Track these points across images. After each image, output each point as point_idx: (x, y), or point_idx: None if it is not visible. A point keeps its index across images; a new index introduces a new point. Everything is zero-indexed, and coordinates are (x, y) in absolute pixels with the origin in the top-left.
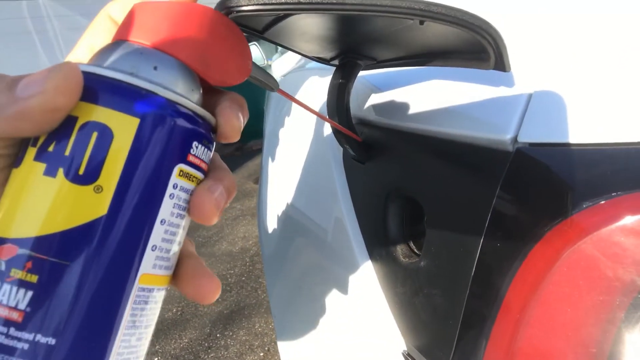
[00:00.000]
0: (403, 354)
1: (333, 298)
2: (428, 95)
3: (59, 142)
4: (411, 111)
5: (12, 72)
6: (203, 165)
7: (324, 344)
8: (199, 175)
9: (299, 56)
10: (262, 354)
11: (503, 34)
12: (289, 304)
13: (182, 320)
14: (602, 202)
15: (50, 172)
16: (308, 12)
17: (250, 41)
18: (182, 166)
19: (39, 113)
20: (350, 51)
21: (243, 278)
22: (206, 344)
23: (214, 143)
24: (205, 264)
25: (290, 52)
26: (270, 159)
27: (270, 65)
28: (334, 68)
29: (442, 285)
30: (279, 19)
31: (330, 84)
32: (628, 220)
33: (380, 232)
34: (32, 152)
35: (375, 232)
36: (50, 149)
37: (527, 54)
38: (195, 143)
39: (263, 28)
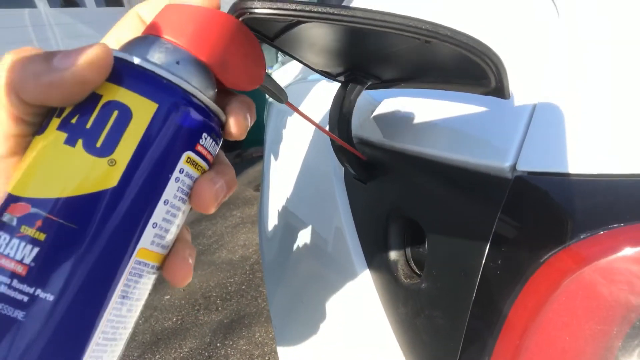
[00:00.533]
0: None
1: (334, 314)
2: (429, 118)
3: (82, 116)
4: (413, 133)
5: None
6: (209, 157)
7: (324, 357)
8: (205, 165)
9: (300, 68)
10: None
11: (505, 60)
12: (289, 315)
13: (182, 330)
14: (602, 232)
15: (71, 141)
16: (320, 21)
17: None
18: (190, 153)
19: (70, 84)
20: (356, 68)
21: (243, 287)
22: (206, 354)
23: (222, 139)
24: (206, 272)
25: (291, 64)
26: (271, 168)
27: (270, 75)
28: (339, 84)
29: (444, 307)
30: (291, 26)
31: (333, 100)
32: (627, 251)
33: (381, 251)
34: (56, 122)
35: (376, 251)
36: (73, 121)
37: (529, 81)
38: (204, 134)
39: (275, 35)
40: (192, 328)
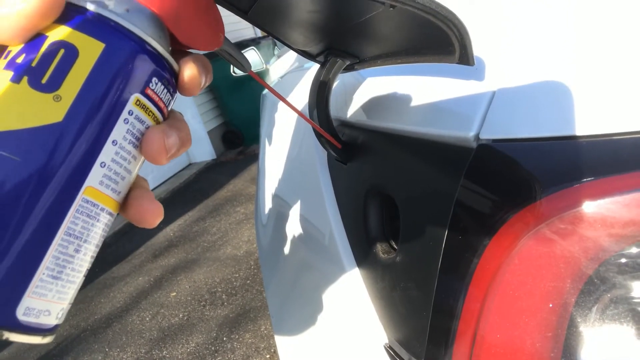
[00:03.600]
0: (385, 347)
1: (321, 295)
2: (401, 97)
3: (28, 55)
4: (386, 112)
5: None
6: (161, 105)
7: (316, 339)
8: (157, 113)
9: (295, 60)
10: (268, 356)
11: (470, 30)
12: (284, 301)
13: (188, 325)
14: (556, 192)
15: (16, 79)
16: None
17: (248, 46)
18: (139, 96)
19: (17, 23)
20: (334, 47)
21: (248, 281)
22: (213, 348)
23: (176, 91)
24: (211, 268)
25: (286, 57)
26: (265, 162)
27: (268, 70)
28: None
29: (415, 278)
30: None
31: (312, 82)
32: (580, 210)
33: (361, 230)
34: (2, 63)
35: (357, 230)
36: (19, 60)
37: (493, 53)
38: (154, 79)
39: (248, 7)
40: (199, 323)
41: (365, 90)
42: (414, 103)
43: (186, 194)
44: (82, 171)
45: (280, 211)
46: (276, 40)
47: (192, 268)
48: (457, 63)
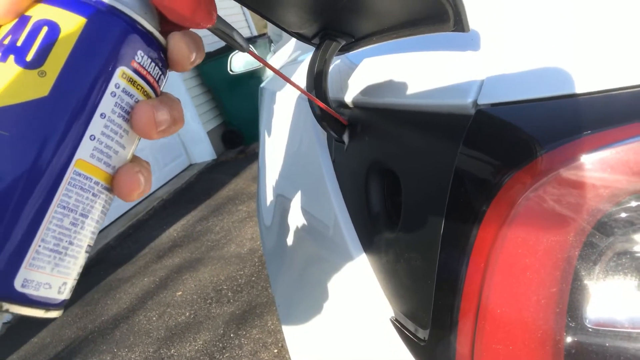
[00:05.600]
0: (391, 320)
1: (327, 276)
2: (397, 72)
3: (14, 36)
4: (384, 89)
5: None
6: (150, 79)
7: (323, 319)
8: (146, 87)
9: (290, 55)
10: (276, 351)
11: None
12: (290, 289)
13: (195, 323)
14: (552, 149)
15: (3, 58)
16: None
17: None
18: (125, 69)
19: (3, 3)
20: (329, 27)
21: (253, 278)
22: (220, 345)
23: (166, 66)
24: (216, 267)
25: (282, 51)
26: (265, 155)
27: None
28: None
29: (418, 250)
30: None
31: (308, 66)
32: (578, 163)
33: (364, 207)
34: None
35: (360, 208)
36: (6, 41)
37: (485, 20)
38: (140, 52)
39: None
40: (205, 321)
41: (361, 70)
42: (410, 77)
43: (188, 194)
44: (71, 144)
45: (283, 203)
46: (271, 25)
47: (197, 267)
48: (453, 31)
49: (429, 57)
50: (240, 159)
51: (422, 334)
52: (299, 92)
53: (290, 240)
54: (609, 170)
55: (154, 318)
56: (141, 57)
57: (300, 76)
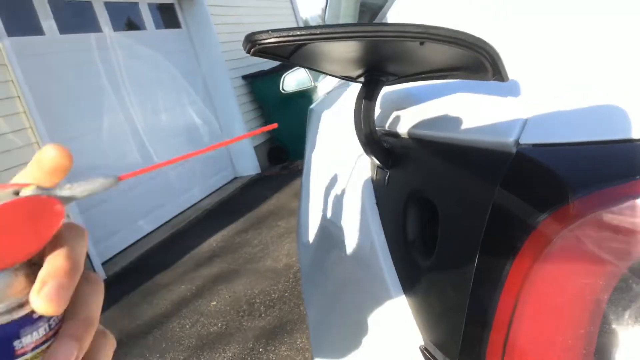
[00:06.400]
0: (420, 348)
1: (360, 299)
2: (442, 107)
3: None
4: (427, 121)
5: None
6: (43, 336)
7: (353, 341)
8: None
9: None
10: None
11: (499, 47)
12: (322, 308)
13: (226, 335)
14: (588, 194)
15: None
16: (319, 41)
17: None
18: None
19: None
20: (373, 69)
21: (286, 294)
22: (249, 358)
23: (41, 318)
24: (251, 279)
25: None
26: (309, 174)
27: (316, 87)
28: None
29: (451, 279)
30: (299, 46)
31: (356, 100)
32: (610, 209)
33: (401, 234)
34: None
35: (397, 235)
36: None
37: (526, 64)
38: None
39: (289, 54)
40: (236, 333)
41: (405, 101)
42: (455, 112)
43: (230, 206)
44: None
45: (323, 223)
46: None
47: (233, 279)
48: (493, 80)
49: (474, 94)
50: (283, 174)
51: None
52: (346, 117)
53: (327, 259)
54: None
55: (187, 326)
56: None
57: (350, 99)
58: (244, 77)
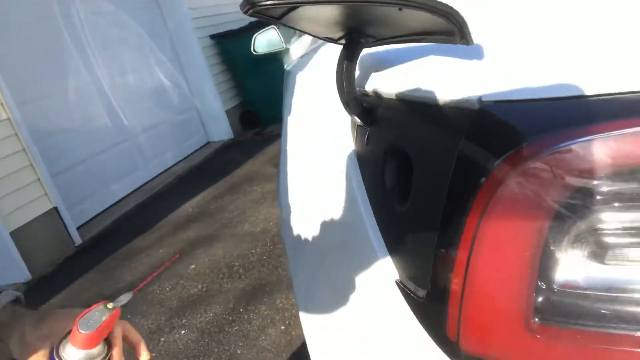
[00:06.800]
0: (396, 282)
1: (341, 243)
2: (415, 69)
3: None
4: (402, 82)
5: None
6: None
7: (334, 282)
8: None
9: (312, 40)
10: (283, 327)
11: (466, 15)
12: (307, 262)
13: (207, 296)
14: (537, 141)
15: None
16: (310, 5)
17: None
18: None
19: None
20: (354, 31)
21: (264, 257)
22: (230, 318)
23: None
24: (229, 244)
25: (305, 37)
26: (287, 136)
27: (288, 49)
28: (341, 47)
29: (423, 222)
30: (292, 8)
31: (338, 62)
32: (555, 153)
33: (379, 184)
34: None
35: (376, 185)
36: None
37: (490, 33)
38: None
39: (280, 16)
40: (217, 295)
41: (383, 63)
42: (426, 73)
43: (204, 171)
44: None
45: (304, 183)
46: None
47: (211, 243)
48: (460, 44)
49: (444, 57)
50: (256, 140)
51: (421, 293)
52: (325, 78)
53: (310, 217)
54: (580, 159)
55: (167, 288)
56: None
57: (325, 62)
58: (212, 37)
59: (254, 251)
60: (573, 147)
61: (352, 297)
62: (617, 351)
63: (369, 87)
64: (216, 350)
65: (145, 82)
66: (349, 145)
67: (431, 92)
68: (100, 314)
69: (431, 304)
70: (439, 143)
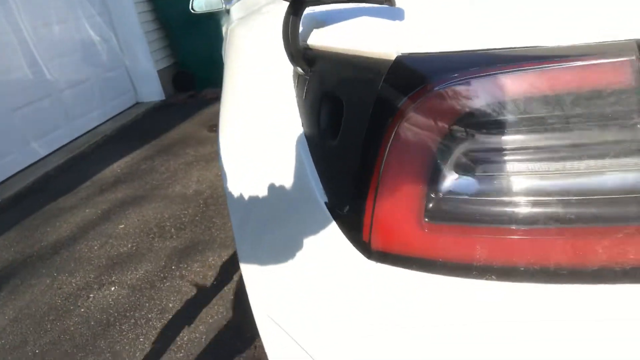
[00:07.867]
0: (325, 203)
1: (280, 180)
2: (347, 25)
3: None
4: (337, 36)
5: None
6: None
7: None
8: None
9: (254, 2)
10: (215, 283)
11: None
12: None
13: (137, 255)
14: (431, 82)
15: None
16: None
17: None
18: None
19: None
20: None
21: (197, 218)
22: (162, 275)
23: None
24: (159, 205)
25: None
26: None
27: (229, 10)
28: (286, 5)
29: (349, 151)
30: None
31: (284, 16)
32: (442, 92)
33: (316, 127)
34: None
35: (313, 128)
36: None
37: None
38: None
39: None
40: (147, 253)
41: (320, 20)
42: (355, 29)
43: (133, 132)
44: None
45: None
46: None
47: (141, 203)
48: (385, 5)
49: (372, 18)
50: (190, 102)
51: (344, 208)
52: (267, 36)
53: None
54: (459, 97)
55: (96, 247)
56: None
57: (268, 24)
58: None
59: (185, 212)
60: (456, 87)
61: (287, 223)
62: (484, 238)
63: (310, 42)
64: (147, 305)
65: (72, 34)
66: (290, 97)
67: (360, 46)
68: None
69: (351, 216)
70: (363, 88)
